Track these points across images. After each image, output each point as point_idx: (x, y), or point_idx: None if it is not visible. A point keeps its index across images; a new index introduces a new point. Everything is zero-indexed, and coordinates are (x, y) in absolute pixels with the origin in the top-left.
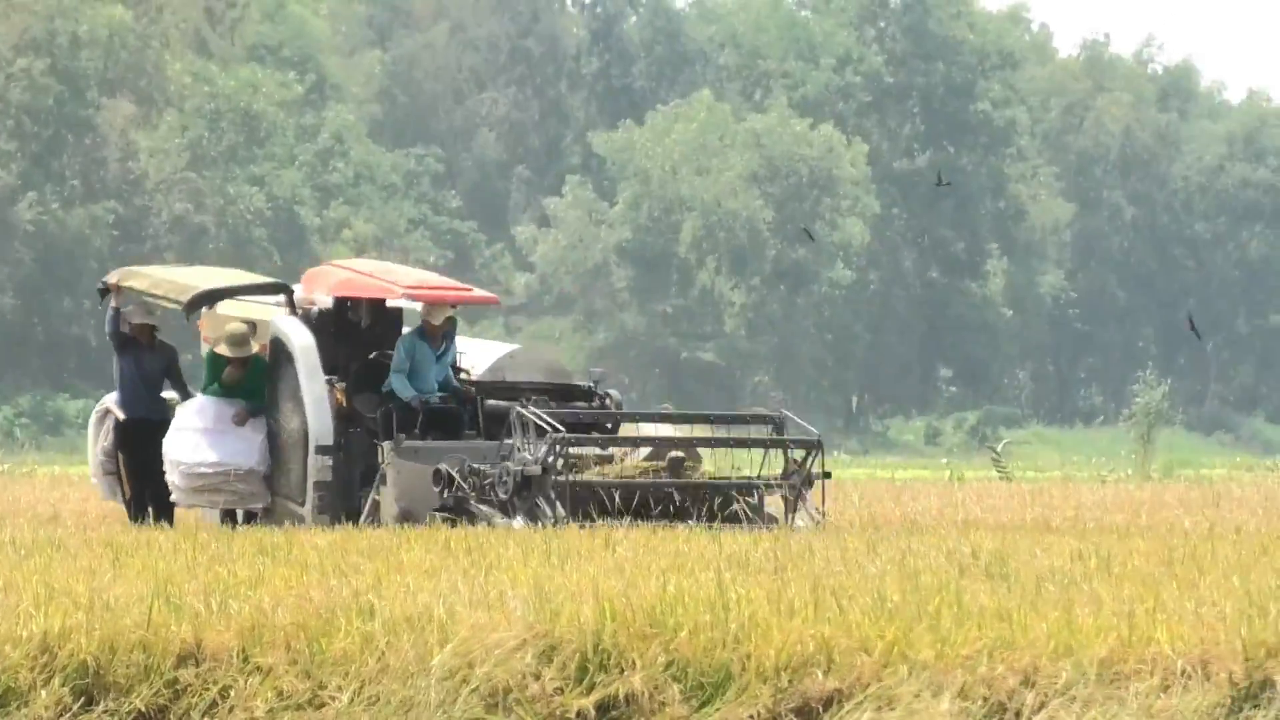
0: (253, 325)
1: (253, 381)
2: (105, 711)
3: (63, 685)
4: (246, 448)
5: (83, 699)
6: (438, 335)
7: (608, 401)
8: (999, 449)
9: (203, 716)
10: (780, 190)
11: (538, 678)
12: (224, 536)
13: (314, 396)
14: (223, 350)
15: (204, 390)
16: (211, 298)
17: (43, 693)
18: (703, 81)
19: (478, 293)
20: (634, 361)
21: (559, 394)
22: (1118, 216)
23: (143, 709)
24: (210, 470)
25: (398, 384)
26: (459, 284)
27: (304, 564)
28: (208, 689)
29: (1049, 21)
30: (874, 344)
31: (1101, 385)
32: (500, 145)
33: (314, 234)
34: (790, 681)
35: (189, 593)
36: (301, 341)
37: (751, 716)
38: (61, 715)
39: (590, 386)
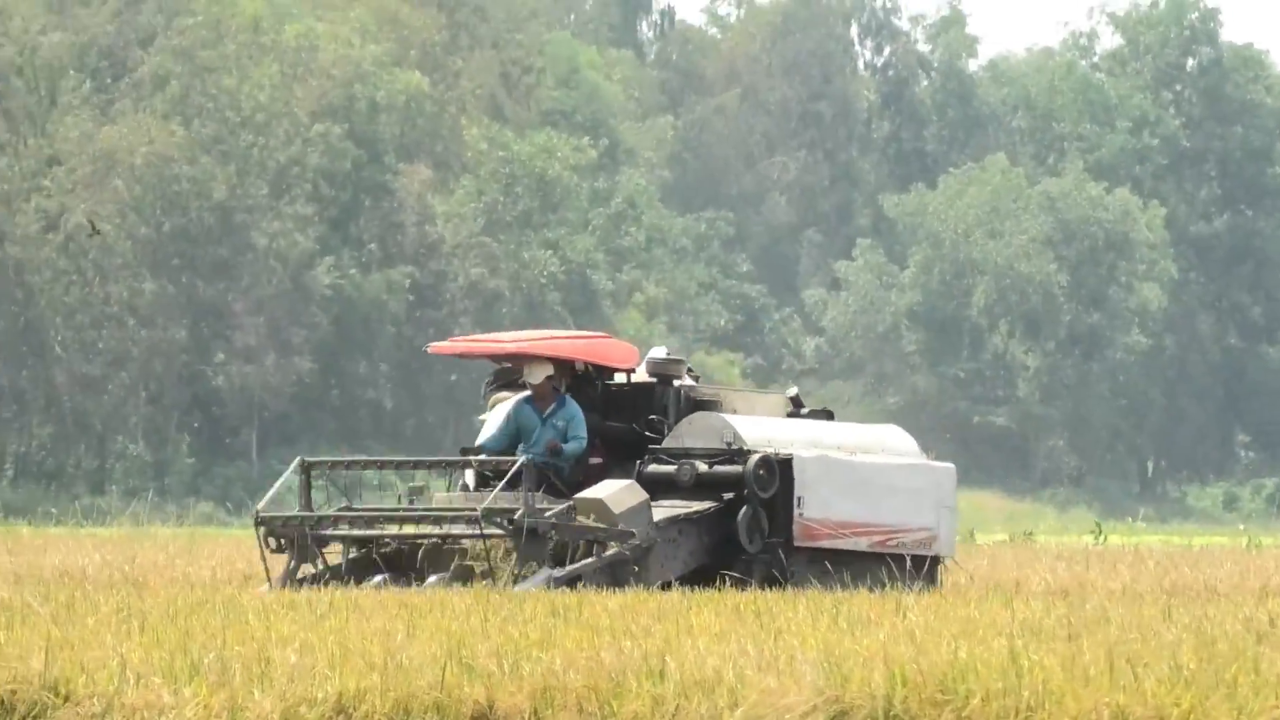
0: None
1: None
2: None
3: None
4: None
5: None
6: (544, 397)
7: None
8: None
9: None
10: (1075, 254)
11: None
12: (516, 598)
13: None
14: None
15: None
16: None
17: None
18: (995, 144)
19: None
20: (924, 425)
21: (729, 455)
22: None
23: None
24: None
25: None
26: (573, 340)
27: (595, 626)
28: None
29: None
30: (1170, 410)
31: None
32: (790, 208)
33: (606, 298)
34: None
35: (482, 654)
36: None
37: None
38: None
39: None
